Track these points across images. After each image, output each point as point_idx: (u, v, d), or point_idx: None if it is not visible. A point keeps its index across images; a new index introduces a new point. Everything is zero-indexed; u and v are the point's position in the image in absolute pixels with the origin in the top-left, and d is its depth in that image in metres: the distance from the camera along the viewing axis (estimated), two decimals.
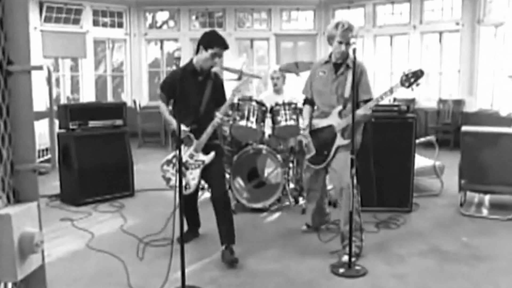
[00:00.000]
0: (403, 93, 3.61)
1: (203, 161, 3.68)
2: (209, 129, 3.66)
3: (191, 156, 3.72)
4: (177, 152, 3.08)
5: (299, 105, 4.68)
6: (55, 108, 5.73)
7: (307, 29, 11.45)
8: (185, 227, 4.15)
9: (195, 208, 4.20)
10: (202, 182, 4.04)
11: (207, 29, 4.32)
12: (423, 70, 3.52)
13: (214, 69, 3.85)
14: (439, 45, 9.97)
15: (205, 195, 5.20)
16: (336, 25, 3.73)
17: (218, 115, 3.65)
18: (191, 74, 3.72)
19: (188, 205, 4.00)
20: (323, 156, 3.91)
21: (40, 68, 1.31)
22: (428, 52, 10.21)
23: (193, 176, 3.69)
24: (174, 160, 3.76)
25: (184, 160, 3.70)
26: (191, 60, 3.78)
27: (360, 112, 3.65)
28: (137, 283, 3.28)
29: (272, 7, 11.25)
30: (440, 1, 9.89)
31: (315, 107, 4.06)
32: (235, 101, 4.57)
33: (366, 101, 3.70)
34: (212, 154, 3.68)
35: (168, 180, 3.81)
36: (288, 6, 11.37)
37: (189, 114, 3.68)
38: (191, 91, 3.70)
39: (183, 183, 3.73)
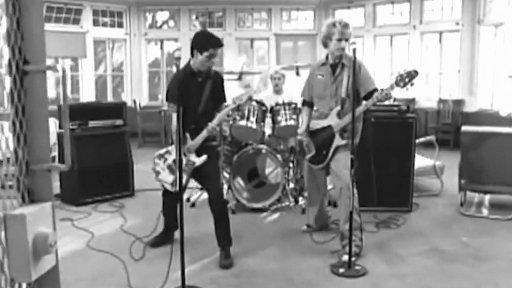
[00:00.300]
0: (403, 93, 3.63)
1: (193, 163, 3.68)
2: (204, 133, 3.64)
3: (184, 156, 3.71)
4: (177, 154, 3.08)
5: (299, 105, 4.69)
6: (55, 107, 5.73)
7: (307, 29, 11.45)
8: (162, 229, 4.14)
9: (176, 210, 3.95)
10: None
11: (207, 29, 4.31)
12: (417, 70, 3.54)
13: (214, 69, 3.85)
14: (439, 45, 9.97)
15: (204, 195, 5.20)
16: (333, 24, 3.74)
17: (211, 124, 3.61)
18: (191, 75, 3.70)
19: (169, 203, 4.00)
20: (323, 156, 3.92)
21: (55, 68, 1.31)
22: (428, 52, 10.21)
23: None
24: (166, 156, 3.79)
25: (175, 158, 3.71)
26: (189, 61, 3.77)
27: (359, 109, 3.69)
28: (137, 283, 3.28)
29: (272, 7, 11.25)
30: (440, 1, 9.89)
31: (315, 108, 4.07)
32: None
33: (373, 91, 3.70)
34: (204, 157, 3.65)
35: (157, 173, 3.83)
36: (288, 6, 11.37)
37: (188, 114, 3.67)
38: (191, 91, 3.68)
39: (170, 181, 3.75)
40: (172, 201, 3.94)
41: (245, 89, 3.93)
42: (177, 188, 3.70)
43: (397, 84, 3.53)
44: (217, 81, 3.81)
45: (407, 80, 3.51)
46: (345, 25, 3.72)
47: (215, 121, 3.64)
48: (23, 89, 1.24)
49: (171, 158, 3.78)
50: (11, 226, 1.17)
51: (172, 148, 3.77)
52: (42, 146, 1.28)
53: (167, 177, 3.78)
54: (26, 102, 1.25)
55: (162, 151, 3.85)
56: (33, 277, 1.20)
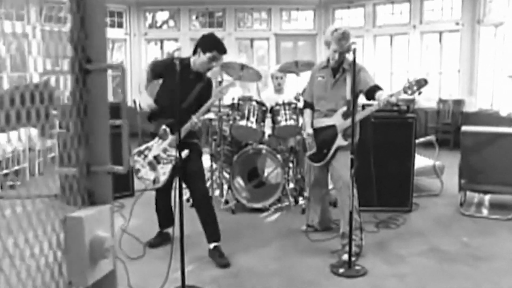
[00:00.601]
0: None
1: (176, 157, 3.66)
2: (186, 126, 3.60)
3: (165, 151, 3.69)
4: (178, 154, 3.08)
5: (299, 105, 4.69)
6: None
7: (307, 29, 11.44)
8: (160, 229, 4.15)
9: (169, 207, 3.96)
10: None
11: (207, 29, 4.31)
12: (426, 80, 3.53)
13: (214, 68, 3.84)
14: (439, 45, 9.96)
15: None
16: (333, 33, 3.76)
17: (194, 118, 3.60)
18: (185, 68, 3.68)
19: (160, 201, 4.00)
20: (323, 154, 3.93)
21: (117, 66, 1.27)
22: (428, 52, 10.20)
23: (163, 171, 3.66)
24: (146, 152, 3.75)
25: (156, 153, 3.70)
26: (189, 57, 3.77)
27: (363, 113, 3.76)
28: (137, 283, 3.27)
29: (272, 7, 11.24)
30: (440, 1, 9.89)
31: (315, 108, 4.08)
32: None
33: (375, 88, 3.72)
34: (186, 151, 3.55)
35: (137, 171, 3.76)
36: (288, 6, 11.37)
37: (171, 108, 3.50)
38: (180, 84, 3.63)
39: (151, 178, 3.72)
40: (161, 200, 3.95)
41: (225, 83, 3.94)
42: (160, 184, 3.70)
43: (405, 91, 3.54)
44: (207, 86, 3.82)
45: (415, 88, 3.51)
46: (343, 38, 3.71)
47: (198, 114, 3.64)
48: (85, 88, 1.21)
49: (151, 154, 3.74)
50: (69, 228, 1.15)
51: (152, 144, 3.75)
52: (103, 147, 1.27)
53: (148, 174, 3.72)
54: (88, 102, 1.22)
55: (142, 147, 3.78)
56: (89, 281, 1.17)
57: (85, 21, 1.20)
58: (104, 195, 1.27)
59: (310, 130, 4.00)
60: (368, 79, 3.80)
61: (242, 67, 5.11)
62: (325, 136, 3.91)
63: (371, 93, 3.73)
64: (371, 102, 3.86)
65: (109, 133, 1.28)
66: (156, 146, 3.71)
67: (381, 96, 3.64)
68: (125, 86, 1.33)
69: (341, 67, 3.87)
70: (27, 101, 1.12)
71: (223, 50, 3.68)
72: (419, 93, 3.54)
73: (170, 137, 3.67)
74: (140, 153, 3.77)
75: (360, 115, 3.79)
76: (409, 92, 3.53)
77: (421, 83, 3.51)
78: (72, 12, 1.17)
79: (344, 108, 3.83)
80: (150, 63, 3.95)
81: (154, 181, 3.70)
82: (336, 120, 3.86)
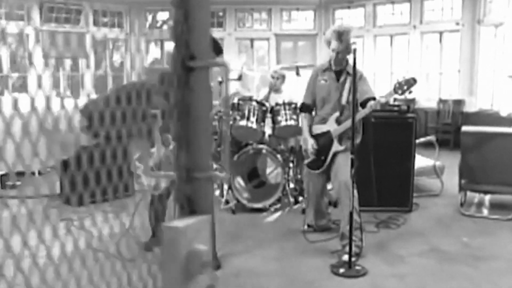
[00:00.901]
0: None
1: None
2: None
3: (167, 158, 3.69)
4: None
5: (299, 105, 4.69)
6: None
7: (307, 29, 11.45)
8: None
9: (164, 213, 3.95)
10: None
11: None
12: (415, 78, 3.61)
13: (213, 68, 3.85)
14: (439, 45, 9.96)
15: None
16: (332, 33, 3.78)
17: None
18: None
19: (158, 208, 3.99)
20: (321, 161, 3.94)
21: (221, 64, 1.20)
22: (428, 52, 10.20)
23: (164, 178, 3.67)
24: None
25: (158, 160, 3.69)
26: None
27: (358, 115, 3.72)
28: (137, 283, 3.27)
29: (272, 7, 11.25)
30: (440, 1, 9.89)
31: (317, 113, 4.07)
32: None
33: (371, 99, 3.73)
34: None
35: (137, 176, 3.76)
36: (288, 6, 11.37)
37: None
38: None
39: (152, 184, 3.72)
40: (158, 206, 3.94)
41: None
42: (160, 190, 3.69)
43: (395, 91, 3.60)
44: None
45: (405, 87, 3.57)
46: (342, 33, 3.72)
47: None
48: (189, 87, 1.12)
49: (152, 160, 3.74)
50: (165, 239, 1.07)
51: (154, 150, 3.74)
52: (205, 152, 1.16)
53: (149, 180, 3.73)
54: (190, 102, 1.13)
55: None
56: None
57: (189, 15, 1.10)
58: (204, 204, 1.17)
59: (311, 141, 3.96)
60: (365, 88, 3.81)
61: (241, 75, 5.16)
62: (321, 143, 3.92)
63: (364, 104, 3.75)
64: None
65: (211, 136, 1.21)
66: (158, 153, 3.71)
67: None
68: (228, 88, 1.25)
69: (345, 70, 3.87)
70: (123, 102, 1.05)
71: (219, 50, 3.66)
72: (410, 92, 3.58)
73: (173, 144, 3.67)
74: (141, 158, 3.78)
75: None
76: (400, 92, 3.57)
77: (410, 82, 3.57)
78: (175, 5, 1.09)
79: (337, 113, 3.84)
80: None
81: (154, 188, 3.70)
82: (330, 126, 3.88)
